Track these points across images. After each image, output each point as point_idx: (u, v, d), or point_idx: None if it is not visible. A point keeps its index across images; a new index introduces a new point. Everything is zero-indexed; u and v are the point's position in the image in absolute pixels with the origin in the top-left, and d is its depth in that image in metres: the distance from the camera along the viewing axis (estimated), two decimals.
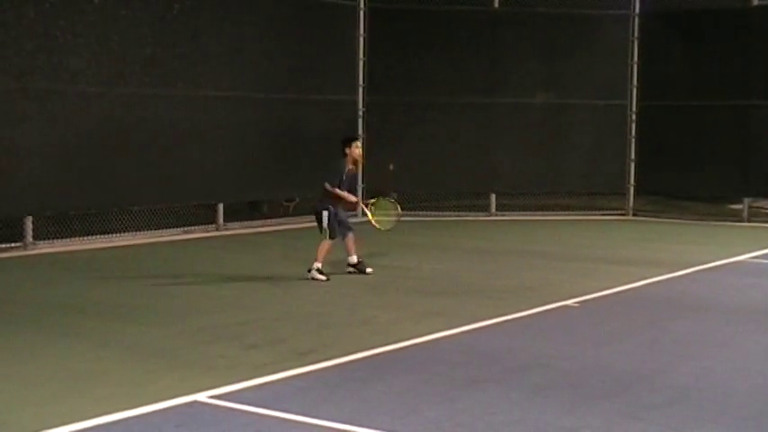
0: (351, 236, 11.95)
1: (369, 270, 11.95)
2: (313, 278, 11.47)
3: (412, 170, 19.09)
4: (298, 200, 18.21)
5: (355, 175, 12.50)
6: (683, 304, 10.51)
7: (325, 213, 11.68)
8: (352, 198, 11.99)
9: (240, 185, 16.69)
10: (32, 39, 13.68)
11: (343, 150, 11.88)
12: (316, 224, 11.91)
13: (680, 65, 19.21)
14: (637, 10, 19.49)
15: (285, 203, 18.29)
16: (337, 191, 11.69)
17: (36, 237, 13.96)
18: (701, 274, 12.55)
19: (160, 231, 15.52)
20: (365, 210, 12.49)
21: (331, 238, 11.67)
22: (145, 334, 8.74)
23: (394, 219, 12.43)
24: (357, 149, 11.98)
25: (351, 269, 11.96)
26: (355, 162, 12.08)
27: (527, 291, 11.13)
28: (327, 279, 11.47)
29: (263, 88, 16.93)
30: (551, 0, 19.22)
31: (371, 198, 12.74)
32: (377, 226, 12.26)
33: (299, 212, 17.83)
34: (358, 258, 11.99)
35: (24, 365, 7.59)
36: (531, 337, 8.87)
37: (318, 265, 11.56)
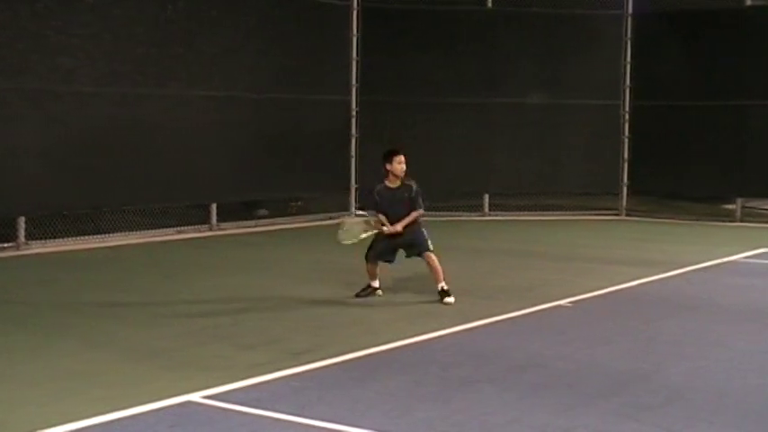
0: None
1: (379, 293, 10.61)
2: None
3: (406, 170, 19.05)
4: (301, 202, 18.21)
5: (399, 194, 10.47)
6: (676, 304, 10.52)
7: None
8: (385, 228, 10.36)
9: (233, 185, 16.66)
10: (25, 38, 13.65)
11: (384, 167, 10.52)
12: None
13: (673, 65, 19.22)
14: (630, 10, 19.51)
15: (292, 204, 18.25)
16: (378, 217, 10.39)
17: (28, 237, 13.93)
18: (695, 274, 12.57)
19: (153, 231, 15.49)
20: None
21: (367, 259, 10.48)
22: (139, 334, 8.73)
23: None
24: (399, 165, 10.41)
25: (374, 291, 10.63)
26: (397, 177, 10.48)
27: (520, 291, 11.13)
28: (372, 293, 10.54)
29: (257, 88, 16.91)
30: (545, 0, 19.22)
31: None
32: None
33: (301, 212, 17.85)
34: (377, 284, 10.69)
35: (19, 366, 7.57)
36: (524, 337, 8.87)
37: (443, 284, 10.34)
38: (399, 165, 10.43)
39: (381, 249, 10.51)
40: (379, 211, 10.49)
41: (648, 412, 6.47)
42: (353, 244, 10.47)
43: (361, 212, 10.68)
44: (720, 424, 6.31)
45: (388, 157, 10.48)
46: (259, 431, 6.05)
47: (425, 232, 10.53)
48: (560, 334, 8.99)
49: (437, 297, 10.36)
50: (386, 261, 10.65)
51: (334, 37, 18.51)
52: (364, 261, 10.55)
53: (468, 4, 19.38)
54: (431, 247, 10.42)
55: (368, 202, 10.62)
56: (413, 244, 10.48)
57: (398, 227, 10.36)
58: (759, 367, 7.86)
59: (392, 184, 10.50)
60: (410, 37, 19.11)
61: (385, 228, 10.39)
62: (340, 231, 10.49)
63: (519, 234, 17.13)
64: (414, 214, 10.41)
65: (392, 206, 10.44)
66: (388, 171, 10.48)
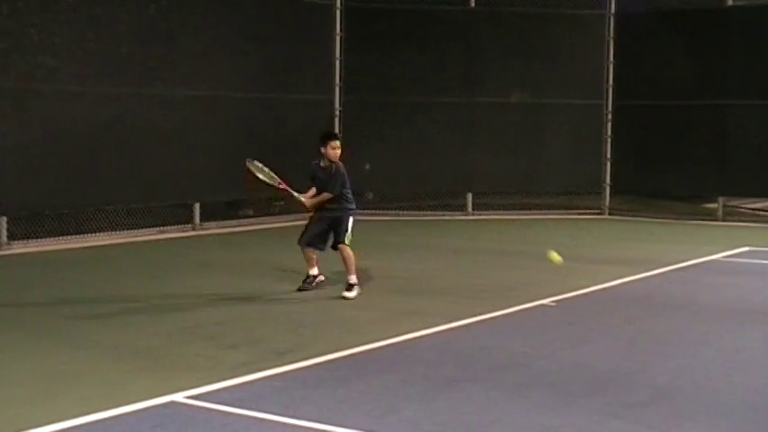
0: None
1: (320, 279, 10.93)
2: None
3: (389, 170, 19.11)
4: (284, 201, 18.13)
5: (324, 174, 10.69)
6: (659, 303, 10.55)
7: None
8: (295, 194, 10.73)
9: (216, 185, 16.62)
10: (6, 37, 13.59)
11: (318, 148, 10.76)
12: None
13: (656, 64, 19.28)
14: (613, 10, 19.57)
15: (275, 203, 18.19)
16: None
17: (10, 237, 13.85)
18: (677, 273, 12.61)
19: (136, 231, 15.44)
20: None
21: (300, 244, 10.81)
22: (122, 334, 8.70)
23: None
24: (333, 150, 10.62)
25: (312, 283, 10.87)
26: (330, 161, 10.66)
27: (504, 290, 11.15)
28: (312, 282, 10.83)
29: (240, 88, 16.89)
30: None
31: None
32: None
33: (284, 212, 17.80)
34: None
35: (1, 366, 7.53)
36: (508, 337, 8.89)
37: (352, 278, 10.56)
38: (333, 150, 10.66)
39: (311, 233, 10.73)
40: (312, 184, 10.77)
41: (632, 411, 6.49)
42: (263, 179, 10.79)
43: (259, 165, 10.84)
44: (704, 422, 6.34)
45: (325, 140, 10.76)
46: (243, 431, 6.05)
47: (350, 225, 10.67)
48: (544, 333, 9.00)
49: (419, 296, 10.38)
50: (317, 248, 10.80)
51: (317, 36, 18.50)
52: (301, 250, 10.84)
53: (452, 3, 19.39)
54: (347, 240, 10.58)
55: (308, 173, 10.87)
56: (336, 232, 10.64)
57: (302, 198, 10.67)
58: (742, 365, 7.90)
59: (323, 163, 10.71)
60: (393, 36, 19.13)
61: (295, 194, 10.71)
62: (253, 167, 10.78)
63: (502, 233, 17.15)
64: (323, 195, 10.59)
65: (318, 184, 10.71)
66: (322, 154, 10.70)
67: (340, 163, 10.71)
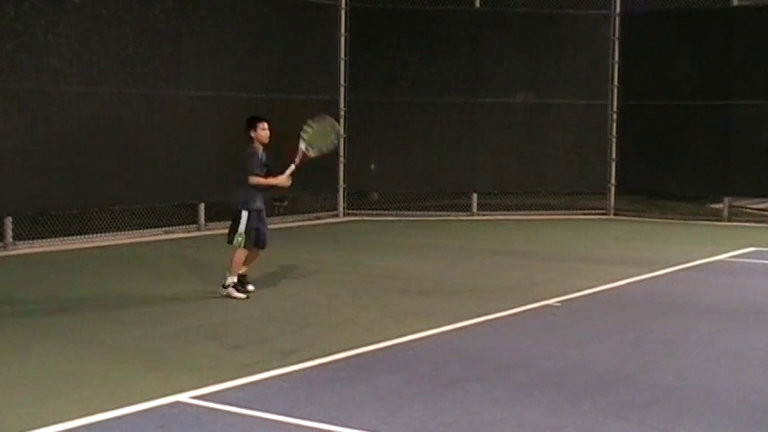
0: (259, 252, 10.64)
1: (250, 288, 10.52)
2: (229, 295, 10.26)
3: (393, 170, 19.12)
4: (287, 202, 18.15)
5: (267, 159, 10.52)
6: (664, 303, 10.54)
7: (244, 214, 10.25)
8: (283, 182, 10.39)
9: (221, 185, 16.58)
10: (12, 38, 13.61)
11: (248, 134, 10.41)
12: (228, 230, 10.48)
13: (661, 65, 19.28)
14: (618, 10, 19.56)
15: (276, 204, 18.20)
16: (263, 181, 10.32)
17: (16, 237, 13.88)
18: (682, 274, 12.60)
19: (141, 231, 15.46)
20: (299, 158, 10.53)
21: (246, 246, 10.32)
22: (127, 334, 8.71)
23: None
24: (264, 131, 10.36)
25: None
26: (264, 146, 10.42)
27: (509, 290, 11.15)
28: (247, 297, 10.34)
29: (245, 88, 16.88)
30: (533, 0, 19.24)
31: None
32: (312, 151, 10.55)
33: (287, 212, 17.82)
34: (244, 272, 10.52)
35: (6, 366, 7.55)
36: (513, 337, 8.89)
37: (233, 279, 10.36)
38: (264, 131, 10.38)
39: (259, 231, 10.44)
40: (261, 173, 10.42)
41: (636, 411, 6.50)
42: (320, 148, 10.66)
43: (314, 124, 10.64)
44: (707, 422, 6.34)
45: (252, 123, 10.40)
46: (247, 431, 6.06)
47: None
48: (549, 334, 9.01)
49: (424, 297, 10.39)
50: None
51: (322, 37, 18.50)
52: (240, 249, 10.36)
53: (457, 4, 19.39)
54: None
55: (253, 162, 10.36)
56: (263, 230, 10.54)
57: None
58: (746, 366, 7.89)
59: (260, 149, 10.45)
60: (398, 37, 19.13)
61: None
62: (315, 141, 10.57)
63: (507, 234, 17.15)
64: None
65: (268, 169, 10.50)
66: (252, 138, 10.39)
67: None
